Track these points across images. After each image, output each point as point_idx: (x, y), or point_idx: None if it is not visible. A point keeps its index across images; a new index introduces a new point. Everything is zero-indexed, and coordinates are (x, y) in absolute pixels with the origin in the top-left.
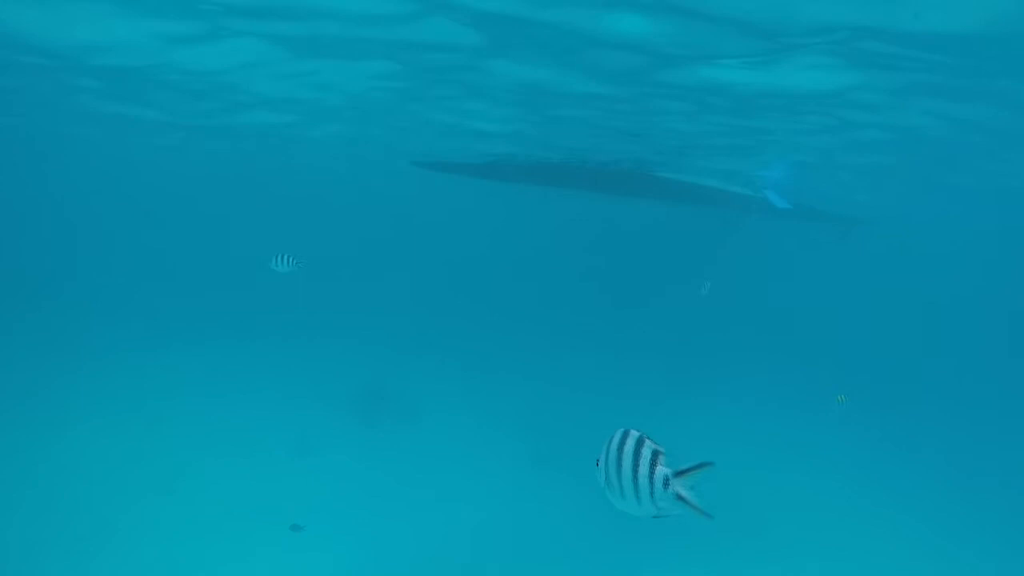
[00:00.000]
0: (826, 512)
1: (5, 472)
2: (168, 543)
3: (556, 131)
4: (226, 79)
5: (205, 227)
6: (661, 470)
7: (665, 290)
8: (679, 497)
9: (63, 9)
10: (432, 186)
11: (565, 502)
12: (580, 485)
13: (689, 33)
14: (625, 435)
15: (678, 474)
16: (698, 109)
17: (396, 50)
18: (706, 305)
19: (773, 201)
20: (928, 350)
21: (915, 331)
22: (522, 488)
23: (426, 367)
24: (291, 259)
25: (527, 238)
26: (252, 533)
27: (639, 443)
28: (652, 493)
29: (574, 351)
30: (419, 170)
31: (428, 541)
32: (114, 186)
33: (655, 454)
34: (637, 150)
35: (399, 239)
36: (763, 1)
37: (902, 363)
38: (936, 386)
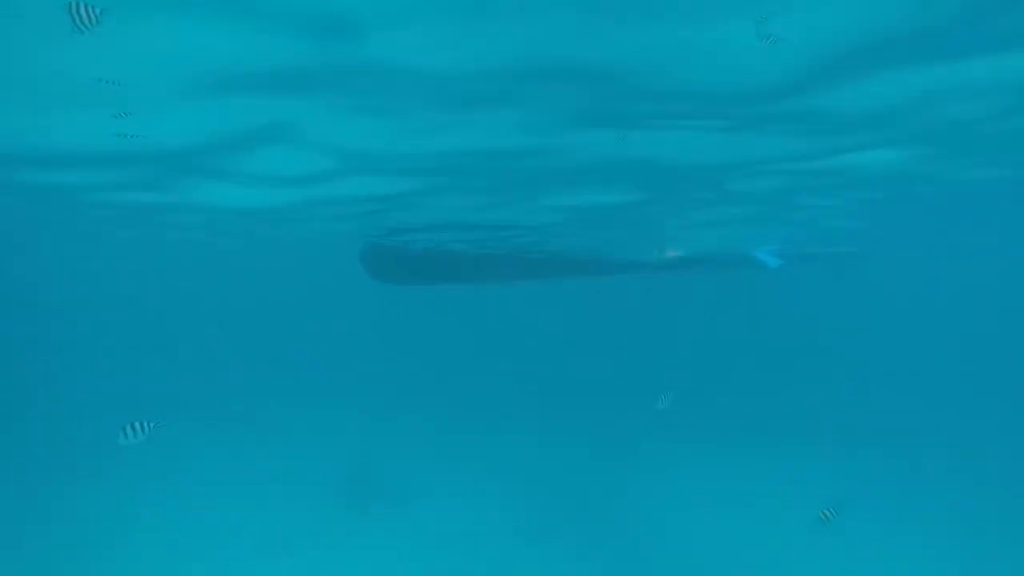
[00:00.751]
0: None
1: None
2: None
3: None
4: None
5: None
6: None
7: (649, 361)
8: None
9: None
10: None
11: None
12: (574, 561)
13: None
14: None
15: None
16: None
17: None
18: (688, 370)
19: (766, 261)
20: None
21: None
22: (516, 568)
23: (415, 446)
24: (144, 425)
25: (513, 316)
26: None
27: None
28: None
29: (563, 427)
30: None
31: None
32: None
33: None
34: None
35: (380, 321)
36: None
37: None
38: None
